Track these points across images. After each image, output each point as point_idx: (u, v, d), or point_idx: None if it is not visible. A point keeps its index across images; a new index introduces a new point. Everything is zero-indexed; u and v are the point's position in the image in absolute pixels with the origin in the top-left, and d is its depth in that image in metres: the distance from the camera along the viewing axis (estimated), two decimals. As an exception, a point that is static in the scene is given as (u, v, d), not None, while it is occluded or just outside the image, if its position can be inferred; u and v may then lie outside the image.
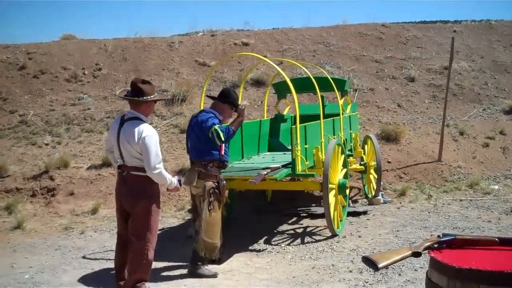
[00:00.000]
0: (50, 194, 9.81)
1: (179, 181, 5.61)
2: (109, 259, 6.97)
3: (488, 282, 2.68)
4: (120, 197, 5.32)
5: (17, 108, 12.56)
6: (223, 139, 5.89)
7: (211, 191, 5.99)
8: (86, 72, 13.86)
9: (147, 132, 5.10)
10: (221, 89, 12.62)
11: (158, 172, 5.12)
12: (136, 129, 5.07)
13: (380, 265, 2.96)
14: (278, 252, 7.15)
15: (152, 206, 5.19)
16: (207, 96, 6.69)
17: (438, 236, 3.18)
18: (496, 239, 3.14)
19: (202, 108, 6.76)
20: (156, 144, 5.13)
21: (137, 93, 5.21)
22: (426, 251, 3.09)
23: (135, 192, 5.16)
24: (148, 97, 5.21)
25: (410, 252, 3.06)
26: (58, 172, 10.18)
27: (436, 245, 3.12)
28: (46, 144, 11.29)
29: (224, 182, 6.26)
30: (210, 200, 5.98)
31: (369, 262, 3.02)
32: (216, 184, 6.08)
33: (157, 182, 5.25)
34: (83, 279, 6.28)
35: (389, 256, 3.05)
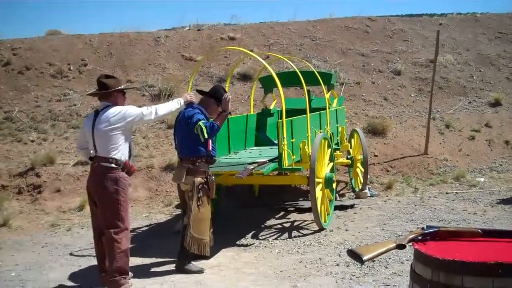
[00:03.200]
0: (36, 191, 9.75)
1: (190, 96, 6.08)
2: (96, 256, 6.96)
3: (471, 273, 2.70)
4: (90, 188, 5.52)
5: (2, 104, 12.46)
6: (206, 136, 5.88)
7: (200, 187, 5.98)
8: (71, 68, 13.78)
9: (122, 107, 5.46)
10: (208, 84, 12.71)
11: (157, 116, 5.63)
12: (111, 111, 5.38)
13: (365, 258, 2.98)
14: (265, 246, 7.17)
15: (120, 197, 5.35)
16: (197, 91, 6.67)
17: (422, 229, 3.21)
18: (479, 230, 3.17)
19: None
20: (133, 108, 5.53)
21: (101, 88, 5.52)
22: (411, 243, 3.12)
23: (102, 182, 5.33)
24: (111, 89, 5.50)
25: (394, 244, 3.09)
26: (44, 169, 10.12)
27: (420, 237, 3.14)
28: (32, 141, 11.21)
29: (213, 177, 6.26)
30: (199, 195, 5.97)
31: (354, 255, 3.04)
32: (205, 179, 6.07)
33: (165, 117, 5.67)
34: (70, 276, 6.26)
35: (374, 249, 3.07)
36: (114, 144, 5.34)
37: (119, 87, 5.59)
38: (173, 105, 5.84)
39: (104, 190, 5.32)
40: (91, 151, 5.46)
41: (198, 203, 5.95)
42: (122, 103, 5.61)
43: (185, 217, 6.11)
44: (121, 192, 5.36)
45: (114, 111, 5.37)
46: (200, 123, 5.87)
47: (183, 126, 6.07)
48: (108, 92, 5.48)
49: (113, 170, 5.35)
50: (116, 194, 5.32)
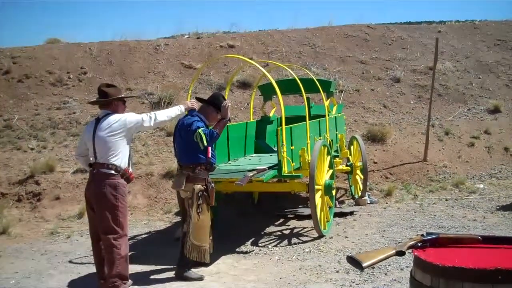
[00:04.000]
0: (36, 198, 9.74)
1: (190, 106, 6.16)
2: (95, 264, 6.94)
3: (471, 280, 2.70)
4: (89, 194, 5.55)
5: (1, 112, 12.46)
6: (205, 143, 5.89)
7: (199, 194, 5.98)
8: (71, 76, 13.79)
9: (122, 115, 5.55)
10: (207, 91, 12.72)
11: (156, 122, 5.66)
12: (112, 118, 5.47)
13: (364, 265, 2.98)
14: (265, 253, 7.16)
15: (119, 203, 5.40)
16: (197, 98, 6.67)
17: (422, 235, 3.21)
18: (479, 237, 3.18)
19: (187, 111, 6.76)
20: (132, 114, 5.62)
21: (102, 96, 5.61)
22: (410, 250, 3.12)
23: (101, 189, 5.37)
24: (112, 97, 5.58)
25: (394, 251, 3.09)
26: (44, 176, 10.11)
27: (420, 244, 3.14)
28: (32, 149, 11.21)
29: (213, 184, 6.26)
30: (198, 203, 5.97)
31: (354, 261, 3.04)
32: (205, 187, 6.07)
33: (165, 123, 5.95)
34: (69, 284, 6.25)
35: (373, 256, 3.07)
36: (114, 151, 5.39)
37: (119, 96, 5.65)
38: (174, 111, 5.89)
39: (103, 196, 5.35)
40: (91, 158, 5.50)
41: (198, 210, 5.95)
42: (122, 111, 5.67)
43: (185, 224, 6.11)
44: (120, 198, 5.40)
45: (115, 118, 5.43)
46: (200, 130, 5.89)
47: (182, 134, 6.08)
48: (108, 100, 5.54)
49: (112, 176, 5.39)
50: (115, 200, 5.36)
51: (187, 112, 6.16)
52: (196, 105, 6.27)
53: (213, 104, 6.29)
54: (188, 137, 5.99)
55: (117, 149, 5.40)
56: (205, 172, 6.10)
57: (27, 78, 13.54)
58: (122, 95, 5.78)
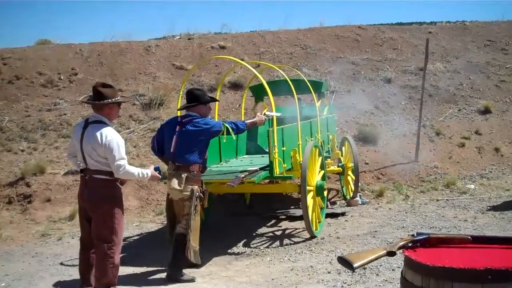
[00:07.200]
0: (26, 200, 9.69)
1: (157, 168, 5.64)
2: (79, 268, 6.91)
3: (461, 279, 2.72)
4: (82, 201, 5.32)
5: (-9, 114, 12.39)
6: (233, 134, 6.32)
7: (197, 196, 6.00)
8: (62, 77, 13.73)
9: (110, 135, 5.13)
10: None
11: (124, 172, 5.17)
12: (99, 133, 5.11)
13: (355, 265, 2.99)
14: (257, 255, 7.16)
15: (115, 209, 5.20)
16: (183, 108, 6.55)
17: (413, 235, 3.22)
18: (469, 237, 3.19)
19: (179, 113, 6.74)
20: (118, 146, 5.14)
21: (97, 96, 5.25)
22: (401, 250, 3.13)
23: (97, 195, 5.17)
24: (108, 100, 5.22)
25: (385, 251, 3.10)
26: (35, 178, 10.06)
27: (410, 244, 3.15)
28: (22, 150, 11.15)
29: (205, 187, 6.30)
30: (195, 204, 5.98)
31: (345, 262, 3.04)
32: (201, 188, 6.09)
33: (128, 179, 5.42)
34: (60, 286, 6.22)
35: (364, 256, 3.08)
36: (103, 160, 5.16)
37: (115, 99, 5.29)
38: (140, 173, 5.42)
39: (98, 203, 5.16)
40: (81, 164, 5.28)
41: (194, 212, 5.99)
42: (116, 115, 5.46)
43: (178, 226, 6.11)
44: (116, 204, 5.22)
45: (101, 137, 5.09)
46: (225, 124, 6.19)
47: (191, 132, 6.03)
48: (104, 104, 5.20)
49: (107, 182, 5.19)
50: (110, 207, 5.17)
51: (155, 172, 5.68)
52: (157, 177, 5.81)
53: (200, 102, 6.26)
54: (199, 136, 6.01)
55: (105, 158, 5.16)
56: (200, 173, 6.12)
57: (18, 79, 13.46)
58: (118, 97, 5.39)
